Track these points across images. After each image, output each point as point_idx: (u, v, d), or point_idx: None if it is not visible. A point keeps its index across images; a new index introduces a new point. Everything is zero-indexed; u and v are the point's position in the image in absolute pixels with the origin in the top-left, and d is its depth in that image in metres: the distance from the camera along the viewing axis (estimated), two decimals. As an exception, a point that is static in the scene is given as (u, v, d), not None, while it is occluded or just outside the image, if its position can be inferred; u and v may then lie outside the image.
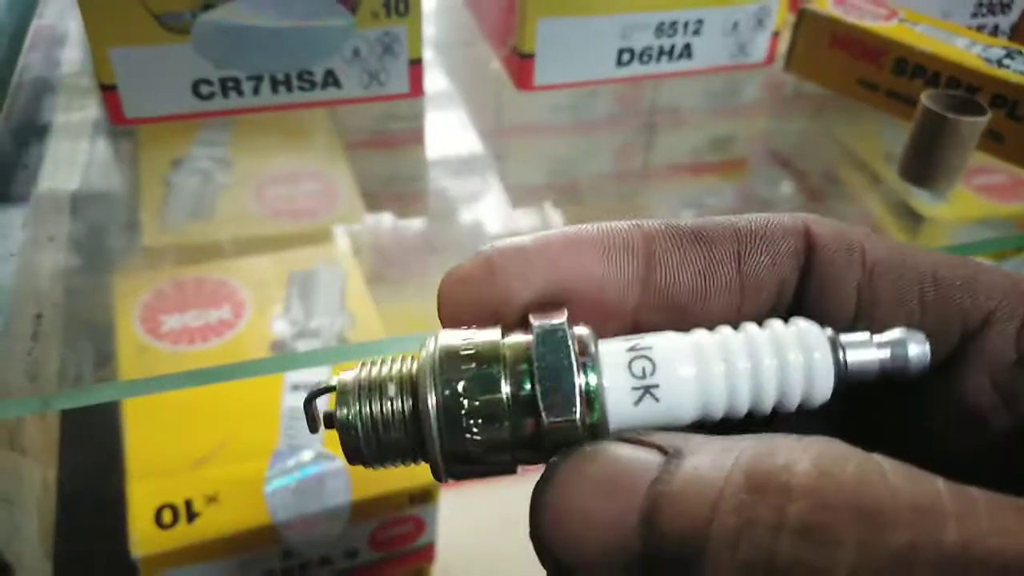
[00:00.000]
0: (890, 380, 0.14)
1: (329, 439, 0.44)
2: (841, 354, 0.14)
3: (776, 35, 0.44)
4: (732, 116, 0.54)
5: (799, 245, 0.15)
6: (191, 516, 0.40)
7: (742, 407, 0.14)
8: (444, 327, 0.16)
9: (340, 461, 0.43)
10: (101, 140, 0.44)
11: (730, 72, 0.45)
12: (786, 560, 0.10)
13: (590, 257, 0.15)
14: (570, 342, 0.14)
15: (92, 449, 0.46)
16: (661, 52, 0.43)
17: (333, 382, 0.15)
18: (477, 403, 0.14)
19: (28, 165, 0.41)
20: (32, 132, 0.43)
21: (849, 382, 0.14)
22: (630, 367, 0.14)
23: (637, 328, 0.16)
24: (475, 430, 0.14)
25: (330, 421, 0.15)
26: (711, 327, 0.15)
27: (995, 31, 0.49)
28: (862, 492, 0.11)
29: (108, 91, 0.38)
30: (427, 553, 0.48)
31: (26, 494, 0.41)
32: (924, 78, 0.41)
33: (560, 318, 0.14)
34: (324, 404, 0.16)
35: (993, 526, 0.10)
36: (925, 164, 0.38)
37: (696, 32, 0.43)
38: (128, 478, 0.41)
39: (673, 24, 0.42)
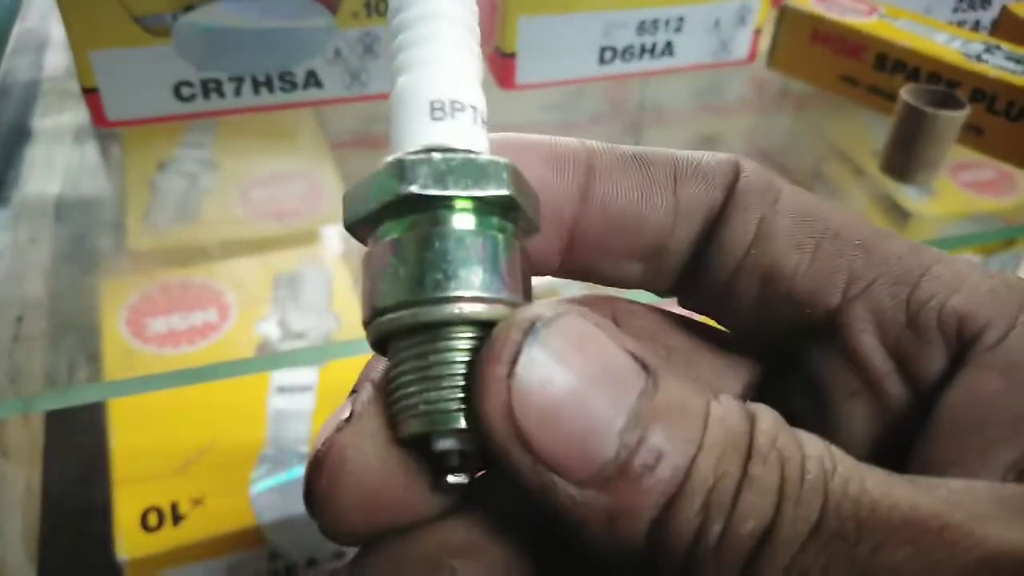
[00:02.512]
0: None
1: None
2: None
3: (758, 32, 0.44)
4: (718, 114, 0.54)
5: (729, 177, 0.16)
6: (177, 519, 0.40)
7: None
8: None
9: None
10: (85, 143, 0.44)
11: (715, 70, 0.45)
12: (741, 514, 0.11)
13: (536, 161, 0.15)
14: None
15: (77, 452, 0.46)
16: (643, 50, 0.43)
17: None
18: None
19: (12, 168, 0.41)
20: (16, 135, 0.43)
21: None
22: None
23: (575, 238, 0.16)
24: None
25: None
26: (645, 247, 0.16)
27: (976, 26, 0.49)
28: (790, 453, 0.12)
29: (90, 94, 0.38)
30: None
31: (9, 497, 0.41)
32: (905, 73, 0.41)
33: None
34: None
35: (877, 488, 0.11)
36: (905, 158, 0.38)
37: (678, 30, 0.43)
38: (113, 481, 0.41)
39: (655, 22, 0.42)
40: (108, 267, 0.40)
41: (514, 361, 0.12)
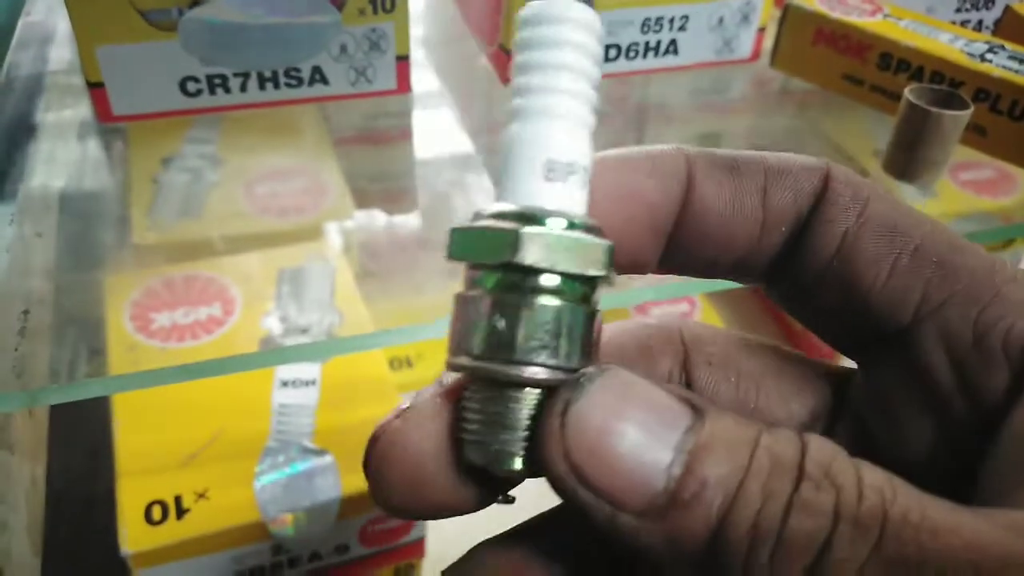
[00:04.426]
0: None
1: (319, 436, 0.44)
2: None
3: (761, 31, 0.45)
4: (720, 112, 0.54)
5: (817, 184, 0.16)
6: (180, 512, 0.40)
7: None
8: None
9: (330, 457, 0.43)
10: (90, 138, 0.44)
11: (717, 68, 0.46)
12: (792, 531, 0.12)
13: (639, 173, 0.16)
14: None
15: (81, 446, 0.46)
16: (647, 48, 0.43)
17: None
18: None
19: (16, 163, 0.41)
20: (20, 130, 0.43)
21: None
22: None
23: (670, 244, 0.17)
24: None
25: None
26: (731, 257, 0.17)
27: (979, 26, 0.49)
28: (845, 481, 0.13)
29: (96, 89, 0.38)
30: (418, 548, 0.48)
31: (14, 491, 0.41)
32: (908, 73, 0.41)
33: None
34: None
35: (941, 522, 0.12)
36: (909, 158, 0.38)
37: (681, 28, 0.43)
38: (117, 474, 0.41)
39: (659, 20, 0.42)
40: (112, 262, 0.40)
41: (565, 413, 0.14)
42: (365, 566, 0.46)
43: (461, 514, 0.16)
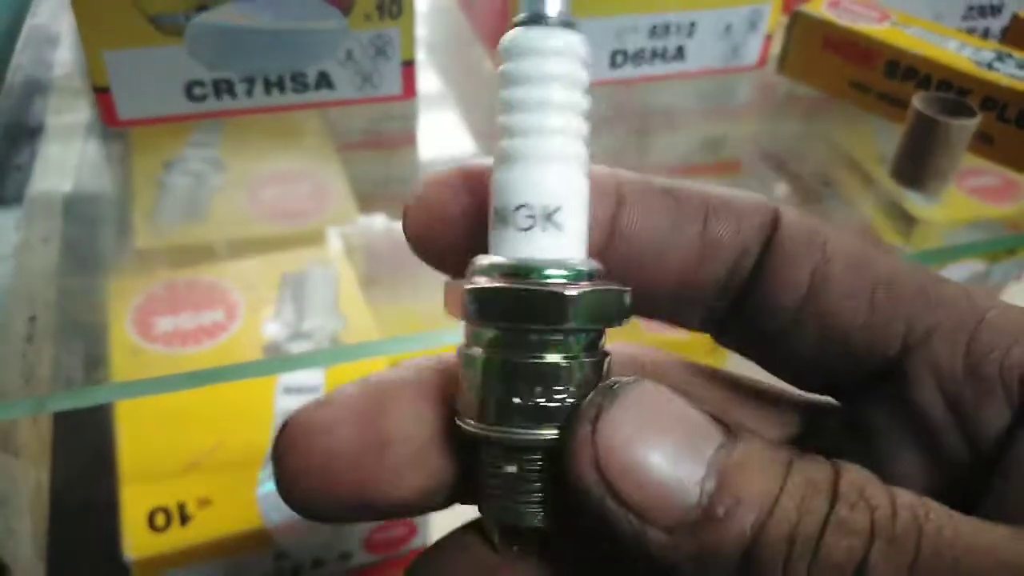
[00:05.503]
0: None
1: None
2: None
3: (769, 37, 0.45)
4: (725, 118, 0.54)
5: (765, 221, 0.16)
6: (184, 519, 0.40)
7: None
8: (414, 243, 0.16)
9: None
10: (93, 142, 0.44)
11: (723, 74, 0.46)
12: (829, 547, 0.12)
13: None
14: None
15: (85, 451, 0.46)
16: (654, 54, 0.43)
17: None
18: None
19: (20, 167, 0.40)
20: (24, 133, 0.43)
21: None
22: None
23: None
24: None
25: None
26: (668, 284, 0.16)
27: (986, 34, 0.49)
28: (880, 503, 0.13)
29: (101, 92, 0.38)
30: (421, 555, 0.48)
31: (19, 496, 0.40)
32: (916, 80, 0.41)
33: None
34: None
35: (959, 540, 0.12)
36: (916, 166, 0.38)
37: (689, 34, 0.43)
38: (121, 481, 0.41)
39: (666, 26, 0.42)
40: (115, 266, 0.40)
41: (597, 420, 0.13)
42: (368, 573, 0.46)
43: (360, 521, 0.15)
